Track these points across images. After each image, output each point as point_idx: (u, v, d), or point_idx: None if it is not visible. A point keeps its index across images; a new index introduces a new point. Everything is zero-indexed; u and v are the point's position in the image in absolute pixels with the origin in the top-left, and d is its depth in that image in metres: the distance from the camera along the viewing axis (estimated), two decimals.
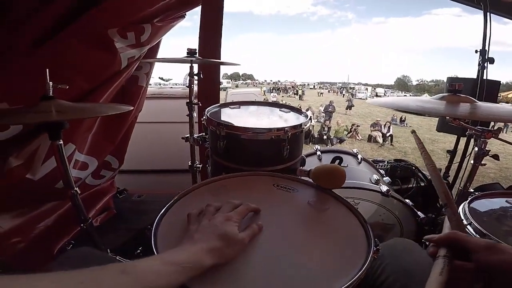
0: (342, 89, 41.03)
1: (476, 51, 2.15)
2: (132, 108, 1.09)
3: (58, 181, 1.37)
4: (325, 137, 9.54)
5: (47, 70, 0.91)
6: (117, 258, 1.01)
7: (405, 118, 13.01)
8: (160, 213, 0.72)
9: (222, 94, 10.44)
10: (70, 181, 1.05)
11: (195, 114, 1.58)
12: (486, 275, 0.49)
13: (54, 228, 1.48)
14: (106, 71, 1.45)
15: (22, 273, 0.36)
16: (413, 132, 0.83)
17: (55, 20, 1.24)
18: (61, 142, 0.97)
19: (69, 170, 1.04)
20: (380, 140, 9.64)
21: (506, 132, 12.00)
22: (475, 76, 2.19)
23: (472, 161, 1.19)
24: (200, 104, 1.58)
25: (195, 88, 1.69)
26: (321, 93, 31.70)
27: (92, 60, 1.36)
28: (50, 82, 0.92)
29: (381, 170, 1.75)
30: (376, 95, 35.20)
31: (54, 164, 1.29)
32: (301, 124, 1.09)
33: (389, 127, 9.90)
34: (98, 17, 1.31)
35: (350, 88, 42.80)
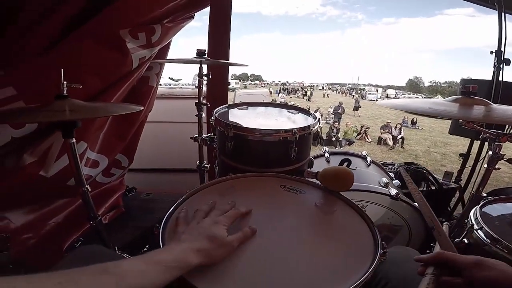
0: (352, 90, 40.62)
1: (492, 52, 2.09)
2: (142, 108, 1.10)
3: (70, 178, 1.40)
4: (334, 138, 9.45)
5: (62, 70, 0.93)
6: (125, 255, 1.03)
7: (416, 120, 12.76)
8: (169, 211, 0.73)
9: (230, 95, 10.47)
10: (82, 178, 1.06)
11: (203, 115, 1.59)
12: None
13: (64, 225, 1.50)
14: (118, 71, 1.48)
15: (32, 269, 0.36)
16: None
17: (68, 20, 1.27)
18: (74, 140, 0.99)
19: (80, 168, 1.06)
20: (390, 142, 9.49)
21: None
22: (490, 78, 2.13)
23: (485, 165, 1.16)
24: (209, 105, 1.59)
25: (204, 88, 1.70)
26: (327, 94, 31.17)
27: (105, 60, 1.39)
28: (65, 82, 0.94)
29: (390, 173, 1.72)
30: (387, 97, 34.73)
31: (67, 162, 1.32)
32: (309, 126, 1.09)
33: (400, 129, 9.73)
34: (110, 17, 1.34)
35: (360, 89, 42.34)
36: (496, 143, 1.07)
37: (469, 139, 2.42)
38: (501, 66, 2.04)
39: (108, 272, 0.44)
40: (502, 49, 2.04)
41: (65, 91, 0.95)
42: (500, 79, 2.04)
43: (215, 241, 0.58)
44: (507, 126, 1.51)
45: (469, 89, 1.01)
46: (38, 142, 1.28)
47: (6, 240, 1.22)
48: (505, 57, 2.04)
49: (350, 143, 9.54)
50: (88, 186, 1.09)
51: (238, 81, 50.55)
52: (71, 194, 1.50)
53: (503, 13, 2.05)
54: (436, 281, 0.54)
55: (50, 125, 1.28)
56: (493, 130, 1.07)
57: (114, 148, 1.75)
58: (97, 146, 1.63)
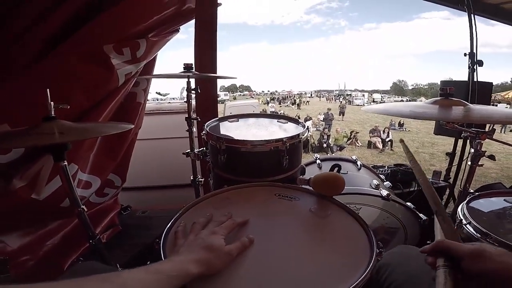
0: (339, 96, 41.31)
1: (465, 54, 2.19)
2: (133, 126, 1.11)
3: (63, 200, 1.38)
4: (325, 145, 9.54)
5: (48, 90, 0.92)
6: None
7: (403, 122, 13.05)
8: (167, 226, 0.74)
9: (220, 107, 10.51)
10: (77, 199, 1.06)
11: (194, 129, 1.59)
12: (474, 282, 0.49)
13: (62, 246, 1.49)
14: (104, 88, 1.46)
15: None
16: (402, 141, 0.86)
17: (51, 37, 1.25)
18: (66, 163, 0.98)
19: (75, 190, 1.05)
20: (380, 145, 9.65)
21: (504, 132, 12.04)
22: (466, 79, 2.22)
23: (469, 163, 1.21)
24: (199, 119, 1.60)
25: (193, 102, 1.71)
26: (307, 101, 31.05)
27: (90, 77, 1.37)
28: (52, 102, 0.93)
29: (381, 175, 1.76)
30: (373, 101, 35.46)
31: (59, 184, 1.32)
32: (298, 135, 1.11)
33: (388, 133, 9.92)
34: (93, 32, 1.32)
35: (347, 95, 43.15)
36: (477, 141, 1.12)
37: (454, 138, 2.50)
38: (475, 67, 2.13)
39: (109, 280, 0.45)
40: (474, 50, 2.14)
41: (52, 112, 0.93)
42: (475, 79, 2.14)
43: (214, 251, 0.59)
44: (487, 124, 1.58)
45: (447, 91, 1.06)
46: (27, 166, 1.26)
47: (5, 262, 1.21)
48: (478, 58, 2.14)
49: (341, 148, 9.65)
50: (84, 206, 1.08)
51: (227, 92, 50.77)
52: (66, 215, 1.48)
53: (472, 15, 2.16)
54: (451, 273, 0.50)
55: (38, 148, 1.26)
56: (473, 129, 1.12)
57: (105, 168, 1.73)
58: (88, 167, 1.61)
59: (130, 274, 0.48)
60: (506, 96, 12.38)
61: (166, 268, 0.52)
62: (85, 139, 1.47)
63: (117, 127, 1.04)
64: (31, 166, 1.27)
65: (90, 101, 1.42)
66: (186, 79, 1.53)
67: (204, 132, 1.18)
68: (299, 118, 1.40)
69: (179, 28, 1.83)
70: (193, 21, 1.82)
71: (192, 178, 1.67)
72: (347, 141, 10.26)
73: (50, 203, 1.34)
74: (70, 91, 1.31)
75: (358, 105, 27.35)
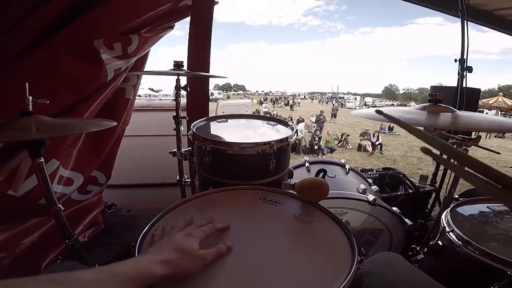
0: (332, 99, 41.68)
1: (456, 60, 2.22)
2: (115, 123, 1.07)
3: (42, 197, 1.33)
4: (316, 147, 9.60)
5: (27, 84, 0.89)
6: None
7: (393, 126, 13.23)
8: (144, 231, 0.72)
9: (213, 105, 10.45)
10: (53, 198, 1.02)
11: (182, 128, 1.56)
12: None
13: (40, 244, 1.45)
14: (92, 83, 1.43)
15: None
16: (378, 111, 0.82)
17: (38, 31, 1.22)
18: (42, 160, 0.94)
19: (51, 188, 1.02)
20: (370, 149, 9.76)
21: (489, 138, 12.36)
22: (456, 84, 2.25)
23: None
24: (188, 118, 1.57)
25: (183, 101, 1.69)
26: (298, 102, 30.87)
27: (77, 72, 1.34)
28: (30, 97, 0.90)
29: (369, 179, 1.77)
30: (365, 105, 35.95)
31: (37, 181, 1.27)
32: (287, 138, 1.10)
33: (377, 136, 10.05)
34: (83, 27, 1.29)
35: (340, 97, 43.57)
36: (463, 147, 1.13)
37: None
38: (465, 73, 2.16)
39: (54, 281, 0.42)
40: (465, 57, 2.17)
41: (30, 107, 0.90)
42: (465, 85, 2.17)
43: (184, 253, 0.56)
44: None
45: (436, 97, 1.07)
46: (4, 162, 1.22)
47: None
48: (468, 64, 2.16)
49: (332, 151, 9.72)
50: (60, 205, 1.05)
51: (221, 91, 50.56)
52: (44, 213, 1.43)
53: (465, 22, 2.18)
54: None
55: (16, 143, 1.22)
56: (459, 136, 1.13)
57: (89, 165, 1.69)
58: (70, 163, 1.56)
59: (83, 275, 0.45)
60: (488, 102, 12.76)
61: (126, 270, 0.49)
62: (68, 135, 1.43)
63: (99, 124, 1.00)
64: (9, 162, 1.23)
65: (77, 95, 1.39)
66: (176, 77, 1.50)
67: (190, 132, 1.15)
68: (291, 119, 1.39)
69: (174, 24, 1.80)
70: (189, 18, 1.78)
71: (178, 178, 1.63)
72: (338, 143, 10.35)
73: (27, 200, 1.30)
74: (56, 85, 1.28)
75: (350, 108, 27.69)
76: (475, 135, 1.29)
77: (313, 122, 13.17)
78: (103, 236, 1.82)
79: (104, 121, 1.05)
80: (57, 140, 1.36)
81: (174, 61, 1.46)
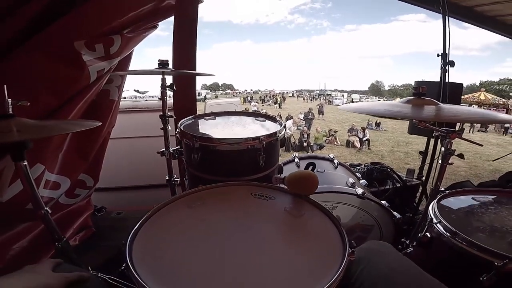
0: (319, 96, 42.03)
1: (438, 55, 2.27)
2: (100, 123, 1.05)
3: (29, 202, 1.28)
4: (305, 144, 9.67)
5: (5, 86, 0.86)
6: (99, 275, 0.99)
7: (380, 122, 13.49)
8: (134, 229, 0.71)
9: (201, 105, 10.37)
10: (39, 201, 0.99)
11: (169, 127, 1.54)
12: None
13: (31, 249, 1.43)
14: (74, 85, 1.39)
15: None
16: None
17: (16, 33, 1.18)
18: (26, 163, 0.91)
19: (36, 191, 0.98)
20: (358, 144, 9.91)
21: (473, 133, 12.76)
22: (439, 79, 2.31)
23: (440, 161, 1.25)
24: (175, 117, 1.55)
25: (170, 100, 1.67)
26: (282, 99, 30.46)
27: (58, 75, 1.30)
28: (9, 99, 0.86)
29: (357, 174, 1.79)
30: (352, 101, 36.45)
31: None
32: (275, 133, 1.10)
33: (364, 131, 10.21)
34: (63, 28, 1.26)
35: (327, 95, 44.01)
36: (447, 140, 1.16)
37: (426, 138, 2.60)
38: (447, 67, 2.22)
39: None
40: (447, 51, 2.23)
41: (10, 110, 0.86)
42: (447, 80, 2.22)
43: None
44: (458, 124, 1.64)
45: (419, 90, 1.09)
46: None
47: None
48: (450, 59, 2.22)
49: (321, 147, 9.82)
50: (47, 208, 1.01)
51: (209, 91, 50.19)
52: (33, 217, 1.38)
53: (447, 17, 2.24)
54: None
55: None
56: (444, 128, 1.16)
57: (76, 168, 1.65)
58: (56, 167, 1.52)
59: None
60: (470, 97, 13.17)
61: None
62: (52, 138, 1.40)
63: (82, 125, 0.98)
64: None
65: (59, 99, 1.35)
66: (162, 76, 1.48)
67: (178, 130, 1.14)
68: (280, 117, 1.39)
69: (157, 24, 1.78)
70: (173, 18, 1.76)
71: (167, 178, 1.62)
72: (326, 140, 10.46)
73: (14, 205, 1.27)
74: (36, 89, 1.24)
75: (337, 105, 27.98)
76: (459, 128, 1.33)
77: (301, 119, 13.26)
78: (93, 239, 1.80)
79: (87, 121, 1.03)
80: (41, 144, 1.32)
81: (159, 60, 1.44)
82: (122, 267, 1.32)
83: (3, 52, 1.17)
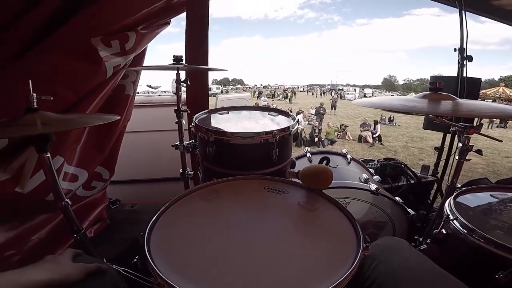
0: (331, 91, 41.42)
1: (455, 50, 2.20)
2: (118, 117, 1.08)
3: (48, 193, 1.35)
4: (316, 139, 9.59)
5: (30, 81, 0.89)
6: (114, 267, 1.02)
7: (393, 117, 13.22)
8: (152, 220, 0.73)
9: (212, 100, 10.42)
10: (60, 193, 1.03)
11: (184, 122, 1.57)
12: None
13: (49, 240, 1.47)
14: (92, 81, 1.43)
15: None
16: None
17: (36, 30, 1.22)
18: (49, 154, 0.95)
19: (58, 183, 1.02)
20: (370, 139, 9.76)
21: (491, 128, 12.34)
22: (456, 74, 2.24)
23: (457, 157, 1.22)
24: (189, 111, 1.57)
25: (184, 95, 1.69)
26: (292, 93, 29.20)
27: (77, 70, 1.34)
28: (34, 94, 0.90)
29: (371, 169, 1.77)
30: (365, 96, 35.74)
31: (43, 177, 1.28)
32: (288, 127, 1.10)
33: (375, 126, 10.03)
34: (80, 25, 1.30)
35: (339, 89, 43.31)
36: (464, 135, 1.13)
37: (442, 133, 2.54)
38: (465, 62, 2.15)
39: None
40: (465, 46, 2.16)
41: (35, 104, 0.90)
42: (465, 75, 2.16)
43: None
44: (475, 119, 1.60)
45: (436, 85, 1.07)
46: (11, 159, 1.23)
47: None
48: (467, 54, 2.15)
49: (332, 142, 9.72)
50: (68, 200, 1.05)
51: (220, 86, 50.31)
52: (51, 209, 1.46)
53: (463, 11, 2.17)
54: None
55: (22, 141, 1.23)
56: (461, 124, 1.13)
57: (93, 161, 1.70)
58: (74, 159, 1.57)
59: None
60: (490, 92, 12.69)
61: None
62: (71, 131, 1.45)
63: (101, 118, 1.01)
64: (15, 159, 1.24)
65: (77, 94, 1.39)
66: (176, 71, 1.50)
67: (193, 124, 1.16)
68: (291, 111, 1.39)
69: (170, 21, 1.80)
70: (185, 14, 1.78)
71: (181, 171, 1.65)
72: (337, 135, 10.34)
73: (35, 196, 1.31)
74: (56, 85, 1.28)
75: (349, 99, 27.51)
76: (477, 123, 1.29)
77: (312, 114, 13.14)
78: (108, 232, 1.84)
79: (106, 115, 1.06)
80: (61, 137, 1.37)
81: (174, 56, 1.46)
82: (135, 259, 1.37)
83: (25, 49, 1.21)
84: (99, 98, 1.49)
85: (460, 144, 1.17)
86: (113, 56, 1.45)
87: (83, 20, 1.30)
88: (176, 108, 1.54)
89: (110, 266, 0.92)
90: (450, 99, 1.03)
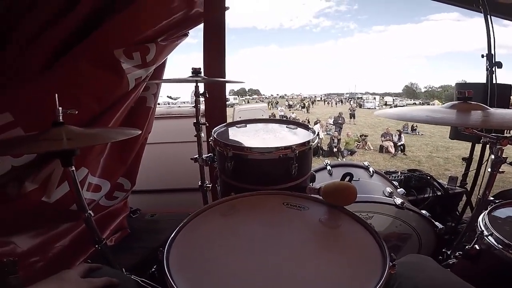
0: (350, 99, 40.83)
1: (483, 56, 2.10)
2: (140, 132, 1.10)
3: (73, 203, 1.39)
4: (335, 149, 9.39)
5: (56, 95, 0.92)
6: (132, 277, 1.02)
7: (416, 126, 12.77)
8: (171, 237, 0.72)
9: (229, 111, 10.55)
10: (84, 205, 1.05)
11: (203, 134, 1.58)
12: None
13: (71, 248, 1.50)
14: (115, 92, 1.47)
15: None
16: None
17: (60, 43, 1.28)
18: (73, 168, 0.98)
19: (82, 195, 1.05)
20: (392, 150, 9.44)
21: None
22: (483, 81, 2.13)
23: (489, 169, 1.14)
24: (208, 124, 1.58)
25: (202, 106, 1.71)
26: (310, 103, 29.10)
27: (100, 82, 1.38)
28: (60, 108, 0.93)
29: (394, 182, 1.70)
30: (385, 104, 34.91)
31: (68, 188, 1.32)
32: (309, 141, 1.08)
33: (399, 136, 9.71)
34: (103, 37, 1.34)
35: (358, 98, 42.60)
36: (497, 147, 1.06)
37: (470, 143, 2.41)
38: (494, 69, 2.04)
39: None
40: (493, 52, 2.05)
41: (60, 117, 0.94)
42: (494, 81, 2.05)
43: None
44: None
45: (465, 94, 1.02)
46: (38, 170, 1.29)
47: (14, 263, 1.22)
48: (496, 59, 2.05)
49: (352, 153, 9.49)
50: (90, 211, 1.08)
51: (237, 96, 50.98)
52: (75, 218, 1.50)
53: (488, 16, 2.07)
54: None
55: (49, 153, 1.28)
56: (493, 134, 1.06)
57: (115, 172, 1.75)
58: (98, 170, 1.62)
59: None
60: None
61: None
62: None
63: (125, 133, 1.03)
64: (42, 170, 1.30)
65: (101, 106, 1.44)
66: (195, 84, 1.52)
67: (211, 138, 1.16)
68: (309, 122, 1.36)
69: (188, 32, 1.83)
70: (202, 25, 1.81)
71: (200, 184, 1.65)
72: (357, 145, 10.09)
73: (59, 206, 1.36)
74: (80, 96, 1.33)
75: (369, 108, 26.96)
76: (508, 133, 1.21)
77: (330, 124, 12.94)
78: (128, 241, 1.86)
79: (129, 129, 1.08)
80: (86, 149, 1.42)
81: (192, 68, 1.48)
82: (153, 269, 1.38)
83: (51, 61, 1.27)
84: (121, 110, 1.52)
85: (492, 156, 1.10)
86: (135, 68, 1.49)
87: (106, 31, 1.35)
88: (195, 121, 1.56)
89: (129, 276, 0.93)
90: (480, 109, 0.97)
